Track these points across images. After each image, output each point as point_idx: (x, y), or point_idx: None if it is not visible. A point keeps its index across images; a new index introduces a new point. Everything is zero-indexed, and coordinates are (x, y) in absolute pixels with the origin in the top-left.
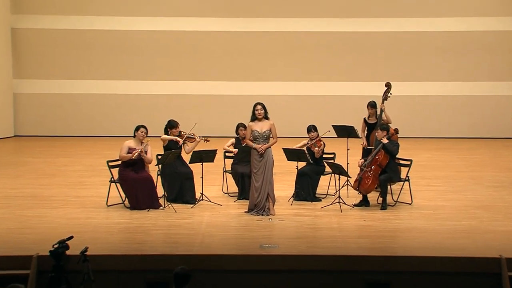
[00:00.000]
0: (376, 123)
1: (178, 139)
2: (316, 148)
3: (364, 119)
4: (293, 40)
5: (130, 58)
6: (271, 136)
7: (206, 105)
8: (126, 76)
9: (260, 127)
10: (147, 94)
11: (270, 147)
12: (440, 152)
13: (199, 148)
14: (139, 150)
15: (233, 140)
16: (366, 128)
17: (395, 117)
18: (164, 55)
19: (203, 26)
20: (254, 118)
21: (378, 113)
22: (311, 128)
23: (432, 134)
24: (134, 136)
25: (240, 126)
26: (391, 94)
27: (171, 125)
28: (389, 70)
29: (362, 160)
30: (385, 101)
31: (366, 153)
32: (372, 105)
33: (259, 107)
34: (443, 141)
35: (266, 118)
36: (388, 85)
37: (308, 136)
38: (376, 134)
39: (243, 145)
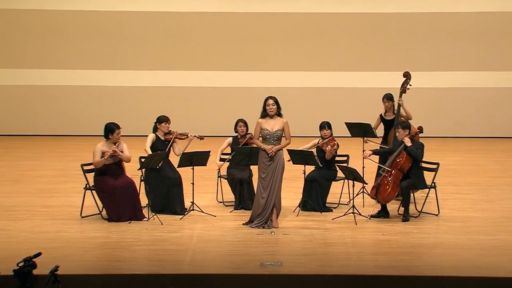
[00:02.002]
0: (394, 119)
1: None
2: (329, 147)
3: (381, 115)
4: (300, 23)
5: (110, 44)
6: (283, 136)
7: (199, 99)
8: (106, 65)
9: (271, 125)
10: (130, 86)
11: (282, 149)
12: (471, 154)
13: (191, 148)
14: (112, 150)
15: (229, 139)
16: (384, 126)
17: (417, 113)
18: (151, 41)
19: (197, 6)
20: (265, 114)
21: (396, 108)
22: (325, 125)
23: (462, 133)
24: (108, 138)
25: (240, 121)
26: (410, 85)
27: (159, 120)
28: (411, 58)
29: (370, 151)
30: (403, 94)
31: (382, 154)
32: (388, 97)
33: (270, 101)
34: (475, 141)
35: (279, 115)
36: (406, 75)
37: (320, 134)
38: (397, 134)
39: (241, 145)
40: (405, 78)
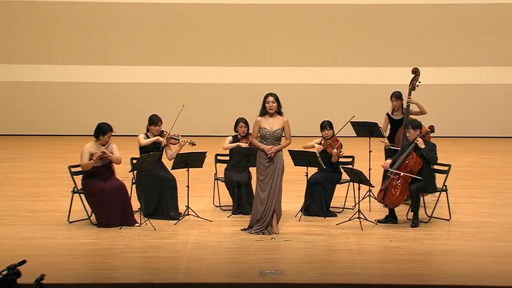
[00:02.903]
0: (403, 118)
1: (161, 139)
2: (335, 150)
3: (388, 114)
4: (302, 16)
5: (101, 37)
6: (283, 136)
7: (195, 96)
8: (95, 60)
9: (271, 124)
10: (122, 83)
11: (282, 150)
12: (485, 155)
13: (185, 151)
14: (101, 152)
15: (230, 138)
16: (391, 126)
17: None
18: (144, 34)
19: None
20: (264, 112)
21: (405, 107)
22: (326, 125)
23: (475, 133)
24: (98, 139)
25: (240, 121)
26: (419, 82)
27: (150, 121)
28: (420, 53)
29: (389, 161)
30: (412, 92)
31: (390, 154)
32: (396, 95)
33: (271, 99)
34: (489, 141)
35: (279, 113)
36: (415, 72)
37: (321, 135)
38: (407, 135)
39: (245, 145)
40: (414, 75)
